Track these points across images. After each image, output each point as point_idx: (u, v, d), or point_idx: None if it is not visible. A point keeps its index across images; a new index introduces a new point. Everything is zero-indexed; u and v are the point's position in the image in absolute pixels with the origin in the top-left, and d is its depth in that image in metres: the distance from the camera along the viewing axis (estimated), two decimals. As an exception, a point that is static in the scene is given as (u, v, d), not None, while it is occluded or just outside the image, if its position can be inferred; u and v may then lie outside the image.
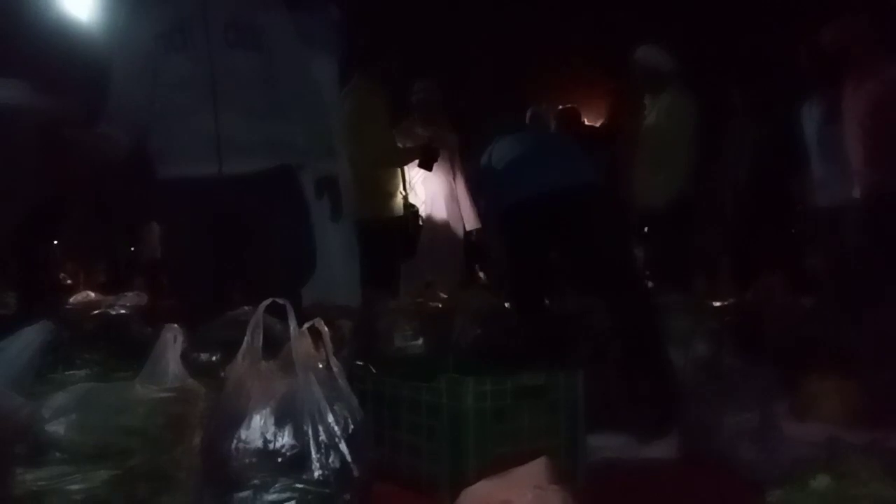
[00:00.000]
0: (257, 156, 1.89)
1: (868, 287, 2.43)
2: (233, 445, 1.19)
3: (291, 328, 1.28)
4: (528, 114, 4.30)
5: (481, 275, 5.06)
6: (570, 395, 1.70)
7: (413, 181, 4.04)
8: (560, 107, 4.70)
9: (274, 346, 1.38)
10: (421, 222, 4.11)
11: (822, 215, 3.48)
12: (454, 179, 4.23)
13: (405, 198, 3.81)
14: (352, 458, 1.20)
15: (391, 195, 3.61)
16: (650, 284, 3.36)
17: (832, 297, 2.81)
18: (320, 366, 1.32)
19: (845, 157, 3.07)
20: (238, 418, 1.22)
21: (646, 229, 4.04)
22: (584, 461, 1.67)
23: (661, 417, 1.98)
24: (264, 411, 1.22)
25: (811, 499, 0.84)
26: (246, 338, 1.31)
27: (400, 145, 3.76)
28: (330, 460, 1.18)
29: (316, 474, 1.17)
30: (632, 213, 3.87)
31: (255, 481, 1.16)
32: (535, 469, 1.13)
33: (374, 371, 1.82)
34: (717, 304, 2.90)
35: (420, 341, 2.55)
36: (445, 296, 3.11)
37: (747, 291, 3.12)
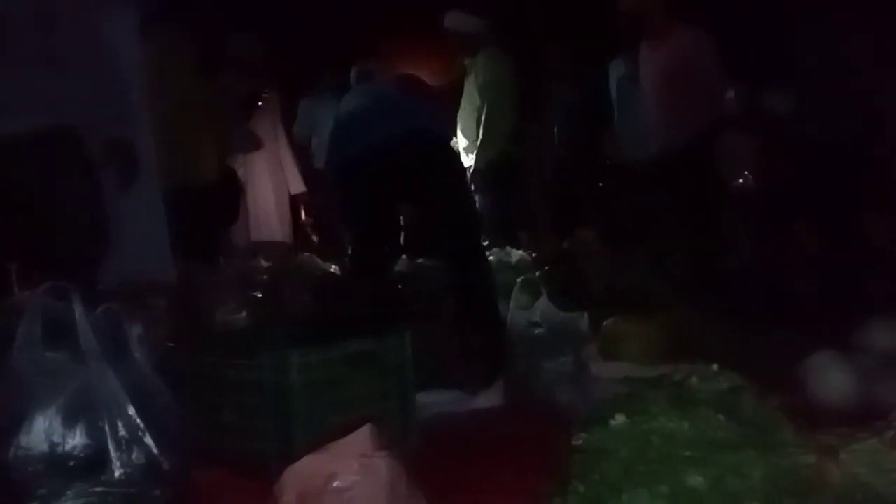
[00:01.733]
0: (27, 113, 1.62)
1: (663, 236, 2.70)
2: (10, 454, 1.03)
3: (77, 313, 1.13)
4: (353, 71, 4.19)
5: (314, 238, 4.93)
6: (400, 358, 1.70)
7: (234, 144, 3.79)
8: (387, 63, 4.64)
9: (60, 335, 1.22)
10: (244, 186, 3.88)
11: (627, 171, 3.80)
12: (278, 140, 4.03)
13: (223, 160, 3.56)
14: (160, 450, 1.10)
15: (206, 157, 3.34)
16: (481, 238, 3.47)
17: (632, 246, 3.09)
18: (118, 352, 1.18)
19: (644, 116, 3.35)
20: (16, 421, 1.06)
21: (472, 186, 4.16)
22: (416, 421, 1.69)
23: (487, 368, 2.05)
24: (49, 410, 1.07)
25: (611, 438, 0.91)
26: (21, 327, 1.14)
27: (215, 102, 3.49)
28: (133, 456, 1.07)
29: (117, 474, 1.06)
30: (461, 170, 3.95)
31: (42, 491, 1.02)
32: (360, 437, 1.11)
33: (189, 351, 1.69)
34: (536, 255, 3.07)
35: (244, 314, 2.42)
36: (271, 264, 2.97)
37: (563, 244, 3.34)
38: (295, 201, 4.09)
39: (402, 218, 2.73)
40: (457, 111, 3.98)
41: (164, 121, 2.85)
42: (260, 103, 3.79)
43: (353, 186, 2.33)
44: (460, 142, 4.01)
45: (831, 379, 1.72)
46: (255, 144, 3.61)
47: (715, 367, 1.08)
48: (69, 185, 1.67)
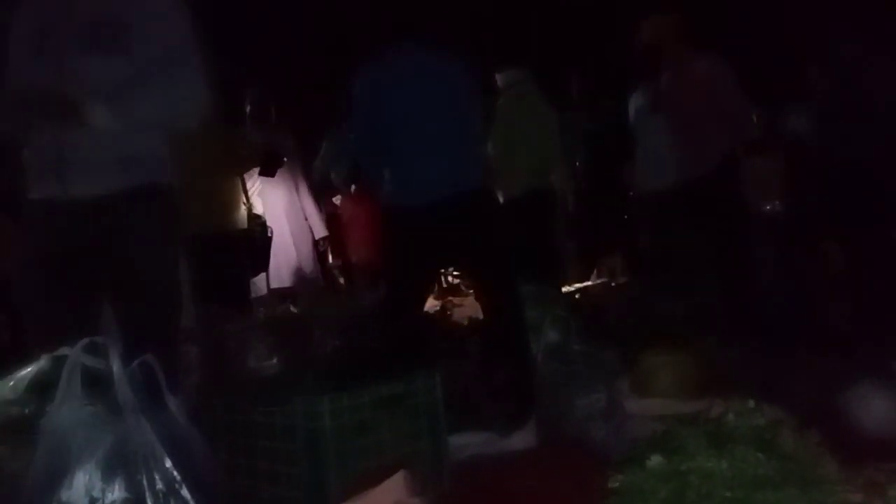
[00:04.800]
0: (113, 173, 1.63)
1: (690, 265, 2.66)
2: (52, 509, 1.05)
3: (115, 367, 1.16)
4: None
5: (342, 280, 4.97)
6: (430, 399, 1.69)
7: (252, 191, 3.87)
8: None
9: (98, 389, 1.24)
10: (269, 234, 3.95)
11: (650, 200, 3.78)
12: (297, 186, 4.12)
13: (249, 209, 3.64)
14: (196, 502, 1.11)
15: (232, 206, 3.42)
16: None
17: (660, 277, 3.05)
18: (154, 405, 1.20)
19: (667, 144, 3.35)
20: (57, 477, 1.08)
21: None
22: (448, 464, 1.67)
23: (519, 408, 2.03)
24: (89, 465, 1.09)
25: (648, 479, 0.89)
26: (61, 382, 1.16)
27: (237, 153, 3.58)
28: (170, 509, 1.08)
29: (155, 527, 1.06)
30: (494, 209, 3.96)
31: (83, 546, 1.03)
32: (394, 484, 1.10)
33: (222, 399, 1.70)
34: (564, 290, 3.05)
35: (275, 360, 2.44)
36: (300, 309, 3.00)
37: (589, 277, 3.31)
38: (318, 245, 4.16)
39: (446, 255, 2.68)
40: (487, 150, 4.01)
41: (192, 172, 2.91)
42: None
43: (393, 233, 2.31)
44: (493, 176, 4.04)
45: (876, 410, 1.66)
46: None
47: (752, 402, 1.06)
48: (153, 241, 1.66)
